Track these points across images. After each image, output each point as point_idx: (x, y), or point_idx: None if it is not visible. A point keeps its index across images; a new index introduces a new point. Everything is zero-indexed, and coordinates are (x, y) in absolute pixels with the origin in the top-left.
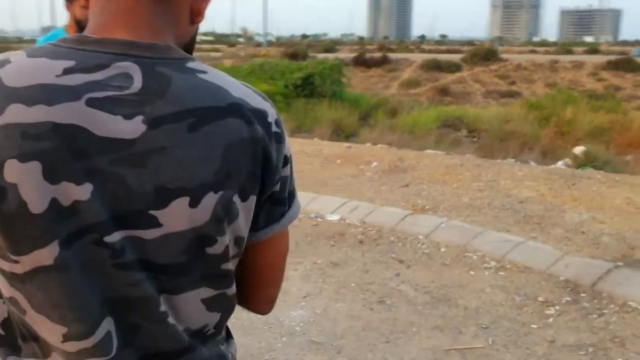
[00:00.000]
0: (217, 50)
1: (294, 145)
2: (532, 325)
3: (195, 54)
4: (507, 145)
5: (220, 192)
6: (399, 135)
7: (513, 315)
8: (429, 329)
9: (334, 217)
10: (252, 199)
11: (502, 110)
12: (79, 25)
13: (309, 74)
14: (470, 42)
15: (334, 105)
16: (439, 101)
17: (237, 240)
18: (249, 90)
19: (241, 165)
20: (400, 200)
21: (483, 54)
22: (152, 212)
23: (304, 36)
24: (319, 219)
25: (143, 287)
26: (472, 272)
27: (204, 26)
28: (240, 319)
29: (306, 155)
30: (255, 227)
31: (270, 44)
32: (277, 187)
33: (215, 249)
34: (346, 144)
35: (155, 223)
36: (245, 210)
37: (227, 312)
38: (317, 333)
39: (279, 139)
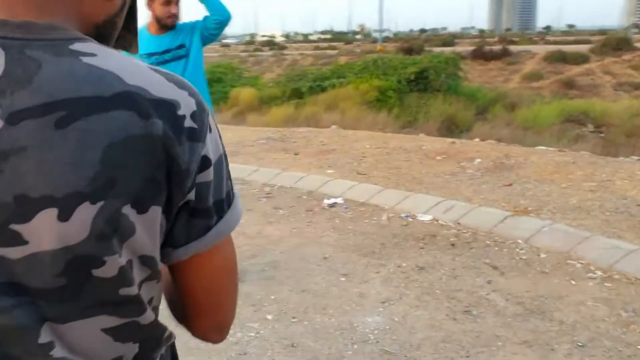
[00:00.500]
0: (333, 48)
1: (392, 141)
2: (639, 347)
3: (309, 52)
4: (634, 141)
5: (100, 203)
6: (511, 131)
7: (617, 334)
8: (516, 344)
9: (426, 218)
10: (156, 210)
11: (635, 103)
12: (159, 22)
13: (423, 69)
14: (601, 31)
15: (448, 99)
16: (564, 94)
17: (144, 261)
18: (157, 76)
19: (132, 170)
20: (501, 201)
21: (614, 44)
22: (14, 226)
23: (422, 31)
24: (410, 219)
25: (15, 314)
26: (573, 282)
27: (321, 25)
28: (312, 322)
29: (404, 151)
30: (173, 243)
31: (386, 39)
32: (192, 196)
33: (105, 272)
34: (450, 140)
35: (19, 240)
36: (146, 224)
37: (149, 343)
38: (392, 342)
39: (194, 136)
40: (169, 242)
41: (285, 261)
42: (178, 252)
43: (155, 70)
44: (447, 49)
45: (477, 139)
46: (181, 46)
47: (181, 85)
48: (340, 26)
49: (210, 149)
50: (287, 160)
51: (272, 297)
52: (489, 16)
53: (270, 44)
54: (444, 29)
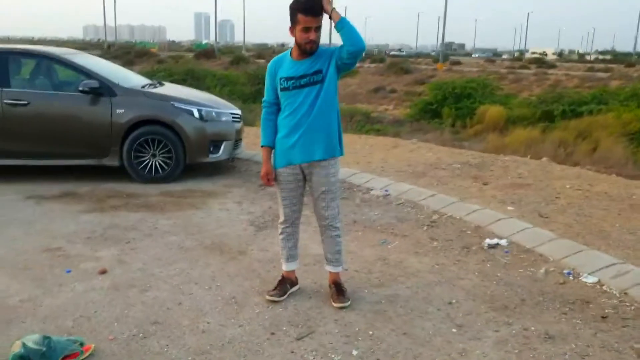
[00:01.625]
0: (608, 70)
1: (600, 184)
2: None
3: (578, 72)
4: None
5: None
6: None
7: None
8: None
9: (591, 280)
10: None
11: None
12: (299, 47)
13: None
14: None
15: None
16: None
17: None
18: None
19: None
20: None
21: None
22: None
23: None
24: (571, 277)
25: None
26: None
27: (602, 43)
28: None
29: (607, 198)
30: None
31: None
32: None
33: None
34: None
35: None
36: None
37: None
38: None
39: None
40: None
41: (406, 298)
42: None
43: None
44: None
45: None
46: (318, 72)
47: None
48: (626, 46)
49: None
50: (470, 189)
51: (370, 332)
52: None
53: (539, 61)
54: None
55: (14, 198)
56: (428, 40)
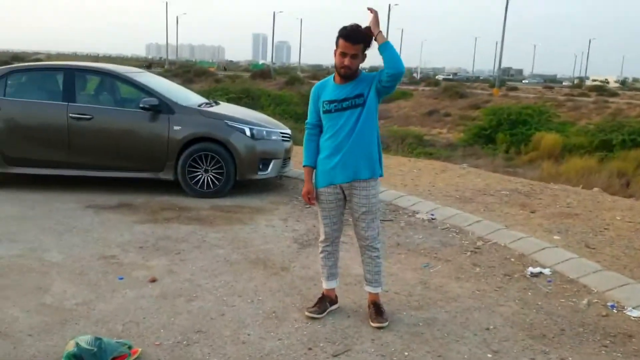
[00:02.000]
0: None
1: None
2: None
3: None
4: None
5: None
6: None
7: None
8: None
9: (635, 314)
10: None
11: None
12: (336, 69)
13: None
14: None
15: None
16: None
17: None
18: None
19: None
20: None
21: None
22: None
23: None
24: (614, 310)
25: None
26: None
27: None
28: None
29: None
30: None
31: None
32: None
33: None
34: None
35: None
36: None
37: None
38: None
39: None
40: None
41: (444, 322)
42: None
43: None
44: None
45: None
46: (359, 95)
47: None
48: None
49: None
50: (517, 217)
51: (406, 353)
52: None
53: (600, 89)
54: None
55: (74, 207)
56: (485, 65)
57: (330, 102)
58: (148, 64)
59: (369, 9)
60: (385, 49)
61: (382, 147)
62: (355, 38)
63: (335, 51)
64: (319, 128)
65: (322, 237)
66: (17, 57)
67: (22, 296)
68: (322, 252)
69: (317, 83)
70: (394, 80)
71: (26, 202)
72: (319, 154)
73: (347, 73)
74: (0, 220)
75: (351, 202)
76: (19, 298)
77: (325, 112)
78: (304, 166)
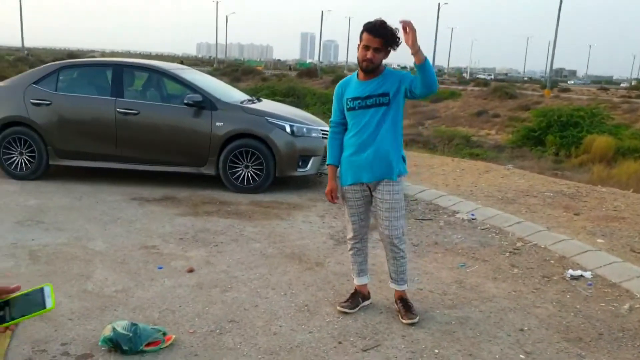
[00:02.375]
0: None
1: None
2: None
3: None
4: None
5: None
6: None
7: None
8: None
9: None
10: None
11: None
12: (358, 63)
13: None
14: None
15: None
16: None
17: None
18: None
19: None
20: None
21: None
22: None
23: None
24: None
25: None
26: None
27: None
28: None
29: None
30: None
31: None
32: None
33: None
34: None
35: None
36: None
37: None
38: None
39: None
40: None
41: (477, 321)
42: None
43: None
44: None
45: None
46: (384, 94)
47: None
48: None
49: None
50: (560, 219)
51: (436, 350)
52: None
53: None
54: None
55: (119, 199)
56: (537, 65)
57: (354, 99)
58: (180, 61)
59: (401, 22)
60: (424, 67)
61: (429, 147)
62: (378, 31)
63: (359, 45)
64: (343, 126)
65: (350, 235)
66: (72, 54)
67: (65, 282)
68: (351, 249)
69: (340, 81)
70: (425, 96)
71: (74, 193)
72: (342, 152)
73: (369, 67)
74: (50, 209)
75: (375, 200)
76: (62, 284)
77: (349, 109)
78: (327, 165)
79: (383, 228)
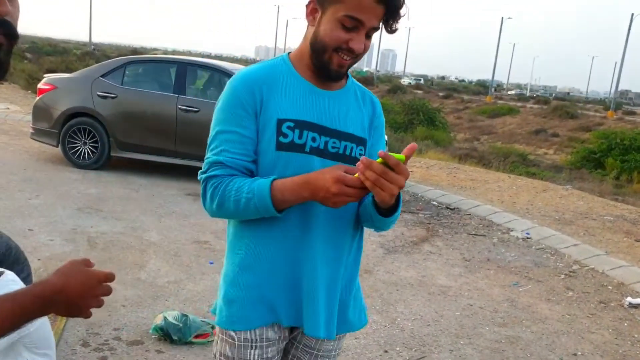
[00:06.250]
0: None
1: None
2: None
3: None
4: None
5: None
6: None
7: None
8: None
9: None
10: None
11: None
12: (316, 53)
13: None
14: None
15: None
16: None
17: None
18: None
19: None
20: None
21: None
22: None
23: None
24: None
25: None
26: None
27: None
28: None
29: None
30: None
31: None
32: None
33: None
34: None
35: None
36: None
37: None
38: None
39: None
40: None
41: (528, 342)
42: None
43: None
44: None
45: None
46: (360, 139)
47: None
48: None
49: None
50: (620, 244)
51: None
52: None
53: None
54: None
55: (175, 193)
56: (601, 87)
57: (301, 124)
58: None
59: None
60: (392, 218)
61: (483, 163)
62: None
63: (320, 16)
64: (241, 174)
65: None
66: (136, 51)
67: (120, 270)
68: None
69: (238, 73)
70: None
71: (133, 184)
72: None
73: (344, 69)
74: (109, 199)
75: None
76: (117, 271)
77: (279, 145)
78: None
79: None
